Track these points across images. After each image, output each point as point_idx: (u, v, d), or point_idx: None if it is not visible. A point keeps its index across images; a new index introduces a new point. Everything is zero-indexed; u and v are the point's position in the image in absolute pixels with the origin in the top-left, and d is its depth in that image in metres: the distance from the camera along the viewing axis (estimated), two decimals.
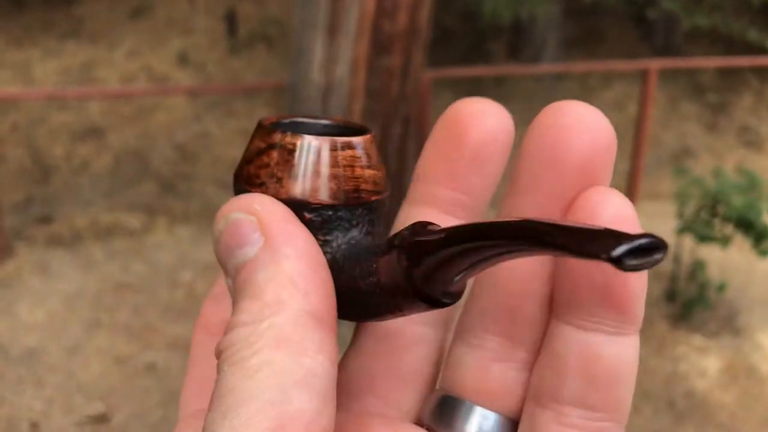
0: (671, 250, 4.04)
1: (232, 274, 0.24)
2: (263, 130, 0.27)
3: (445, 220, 0.27)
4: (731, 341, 3.68)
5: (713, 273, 3.90)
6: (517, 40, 6.58)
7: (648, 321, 3.78)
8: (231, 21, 6.31)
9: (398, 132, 3.54)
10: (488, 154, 0.27)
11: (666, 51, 6.70)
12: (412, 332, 0.28)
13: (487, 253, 0.23)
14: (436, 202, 0.28)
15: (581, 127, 0.23)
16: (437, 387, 0.29)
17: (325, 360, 0.22)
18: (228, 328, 0.23)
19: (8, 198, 4.42)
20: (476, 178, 0.27)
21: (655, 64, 4.91)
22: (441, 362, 0.29)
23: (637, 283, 0.24)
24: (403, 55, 3.42)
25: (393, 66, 3.41)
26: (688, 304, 3.75)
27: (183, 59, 6.00)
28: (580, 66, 6.04)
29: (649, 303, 3.91)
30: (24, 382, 3.19)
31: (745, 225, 3.49)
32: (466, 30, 6.58)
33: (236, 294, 0.23)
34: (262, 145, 0.26)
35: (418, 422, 0.28)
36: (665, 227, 4.35)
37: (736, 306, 3.92)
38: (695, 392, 3.36)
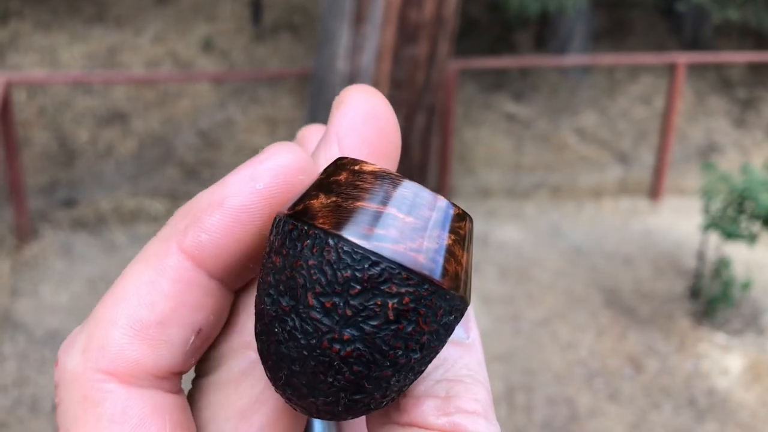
0: (696, 246, 3.99)
1: None
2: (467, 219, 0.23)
3: None
4: (755, 340, 3.64)
5: (738, 271, 3.85)
6: (544, 32, 6.53)
7: (670, 318, 3.75)
8: (256, 8, 6.32)
9: (422, 122, 3.53)
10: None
11: (695, 44, 6.61)
12: None
13: None
14: None
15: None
16: None
17: None
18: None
19: (33, 181, 4.47)
20: None
21: (683, 58, 4.85)
22: None
23: None
24: (430, 44, 3.41)
25: (419, 55, 3.40)
26: (711, 301, 3.71)
27: (208, 45, 6.01)
28: (607, 58, 5.98)
29: (672, 300, 3.87)
30: (47, 362, 3.23)
31: None
32: (492, 21, 6.54)
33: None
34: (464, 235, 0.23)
35: None
36: (691, 223, 4.30)
37: (760, 304, 3.87)
38: (717, 390, 3.33)
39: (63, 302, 3.59)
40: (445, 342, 0.22)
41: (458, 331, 0.24)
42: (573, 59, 5.87)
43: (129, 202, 4.41)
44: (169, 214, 4.50)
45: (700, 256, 3.83)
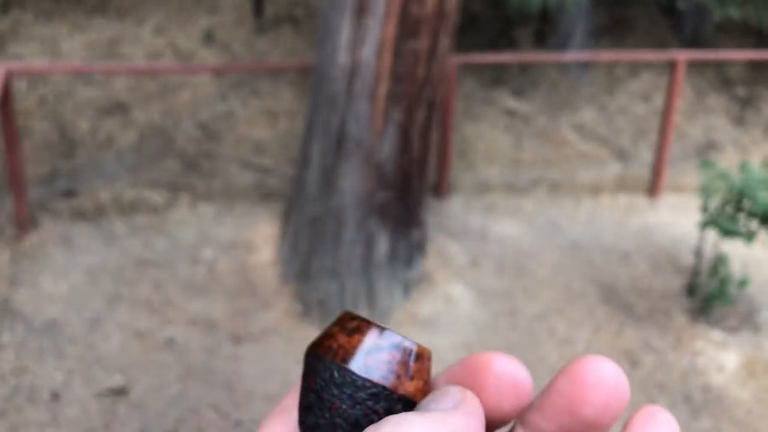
0: (694, 243, 4.01)
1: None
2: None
3: None
4: (751, 337, 3.66)
5: (735, 268, 3.87)
6: (545, 28, 6.53)
7: (667, 314, 3.76)
8: (257, 0, 6.31)
9: (422, 116, 3.53)
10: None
11: (695, 42, 6.61)
12: None
13: None
14: None
15: (599, 386, 0.29)
16: None
17: None
18: None
19: (33, 171, 4.47)
20: None
21: (683, 56, 4.85)
22: None
23: None
24: (431, 38, 3.41)
25: (420, 49, 3.40)
26: (708, 298, 3.72)
27: (209, 37, 6.01)
28: (607, 55, 5.98)
29: (669, 296, 3.89)
30: (46, 352, 3.24)
31: None
32: (493, 16, 6.54)
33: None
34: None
35: None
36: (689, 221, 4.31)
37: (757, 302, 3.88)
38: (712, 387, 3.35)
39: (62, 292, 3.60)
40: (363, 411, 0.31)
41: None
42: (573, 56, 5.87)
43: (129, 193, 4.41)
44: (168, 205, 4.52)
45: (698, 253, 3.84)
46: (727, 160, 5.30)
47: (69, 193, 4.37)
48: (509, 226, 4.48)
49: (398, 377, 0.31)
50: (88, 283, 3.66)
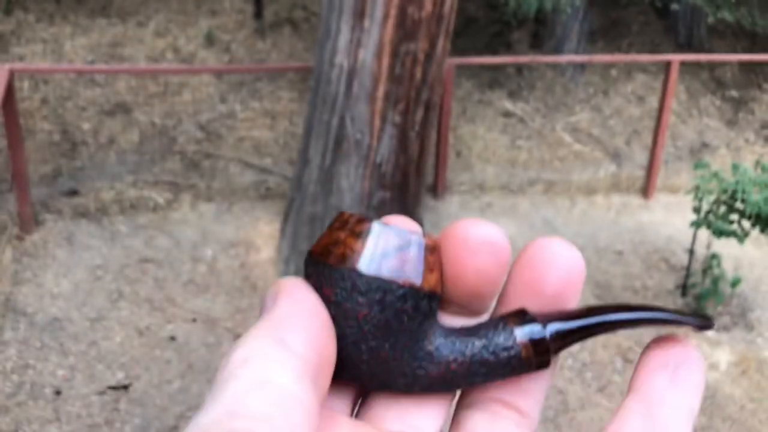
0: (687, 243, 4.05)
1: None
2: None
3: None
4: (743, 336, 3.69)
5: (728, 267, 3.90)
6: (541, 30, 6.57)
7: None
8: (258, 3, 6.35)
9: (420, 117, 3.57)
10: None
11: (689, 44, 6.66)
12: None
13: (613, 327, 0.32)
14: None
15: (555, 264, 0.31)
16: None
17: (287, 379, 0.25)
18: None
19: (36, 171, 4.50)
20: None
21: (677, 58, 4.89)
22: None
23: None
24: (429, 41, 3.45)
25: (418, 51, 3.44)
26: (701, 297, 3.76)
27: (209, 39, 6.04)
28: (602, 57, 6.02)
29: (663, 295, 3.92)
30: (48, 349, 3.27)
31: (763, 221, 3.49)
32: (490, 19, 6.58)
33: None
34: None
35: None
36: (682, 220, 4.35)
37: (749, 301, 3.92)
38: (705, 385, 3.38)
39: (64, 290, 3.63)
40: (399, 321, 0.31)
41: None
42: (569, 58, 5.92)
43: (130, 192, 4.44)
44: (169, 204, 4.54)
45: (691, 252, 3.87)
46: (720, 161, 5.35)
47: (71, 193, 4.40)
48: (505, 225, 4.52)
49: (419, 273, 0.31)
50: (90, 281, 3.70)
